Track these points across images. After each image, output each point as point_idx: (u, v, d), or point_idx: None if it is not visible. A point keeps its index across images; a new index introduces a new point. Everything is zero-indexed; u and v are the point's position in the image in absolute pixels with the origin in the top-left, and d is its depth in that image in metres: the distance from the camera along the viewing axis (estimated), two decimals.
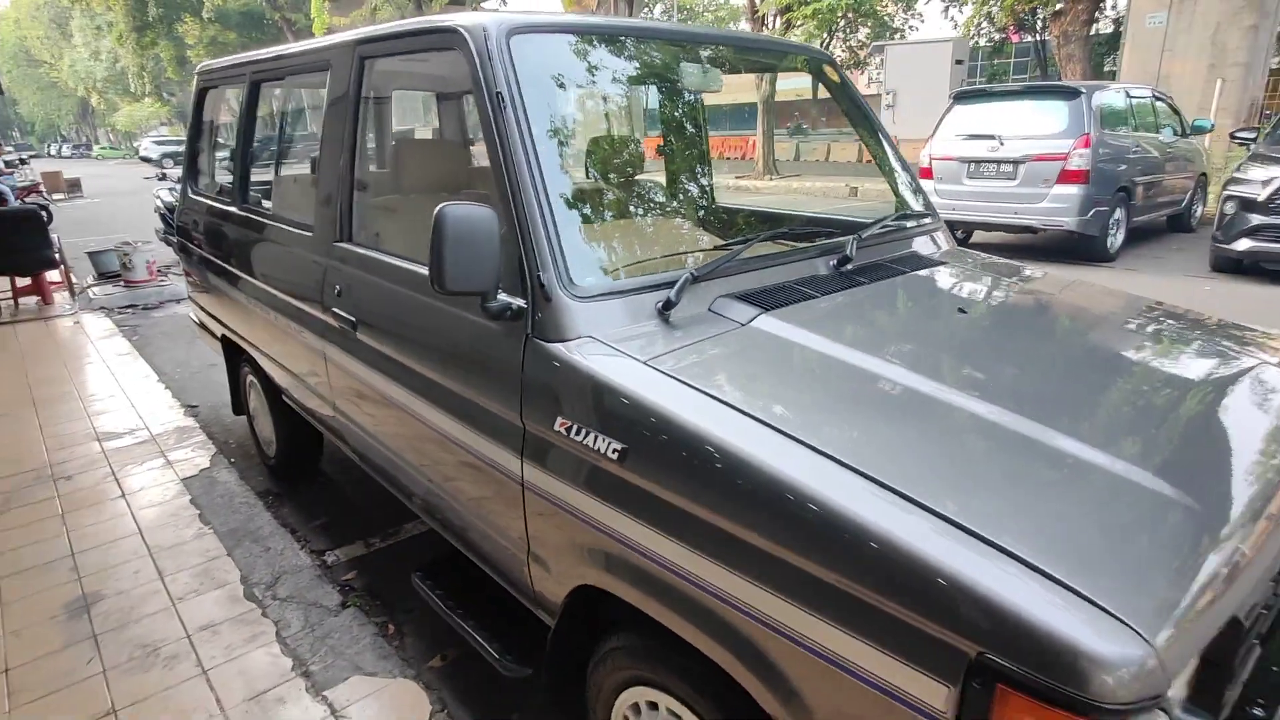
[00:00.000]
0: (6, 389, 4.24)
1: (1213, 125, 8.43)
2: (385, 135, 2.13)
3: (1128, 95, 7.28)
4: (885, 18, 40.31)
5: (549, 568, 1.42)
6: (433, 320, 1.62)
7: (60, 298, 6.66)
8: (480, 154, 1.91)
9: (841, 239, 1.76)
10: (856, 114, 2.27)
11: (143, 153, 35.96)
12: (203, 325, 3.56)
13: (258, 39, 33.01)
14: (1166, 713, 0.77)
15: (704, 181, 2.21)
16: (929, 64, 20.66)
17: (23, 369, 4.63)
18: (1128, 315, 1.78)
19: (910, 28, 39.57)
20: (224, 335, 3.18)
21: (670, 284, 1.41)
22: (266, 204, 2.73)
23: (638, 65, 1.73)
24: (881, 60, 22.72)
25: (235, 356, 3.20)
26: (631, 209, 1.70)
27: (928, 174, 7.61)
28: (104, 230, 11.18)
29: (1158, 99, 7.85)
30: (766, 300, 1.49)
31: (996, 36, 26.57)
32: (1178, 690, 0.93)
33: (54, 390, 4.22)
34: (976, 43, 30.39)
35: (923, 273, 1.81)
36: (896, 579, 0.88)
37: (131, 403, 4.00)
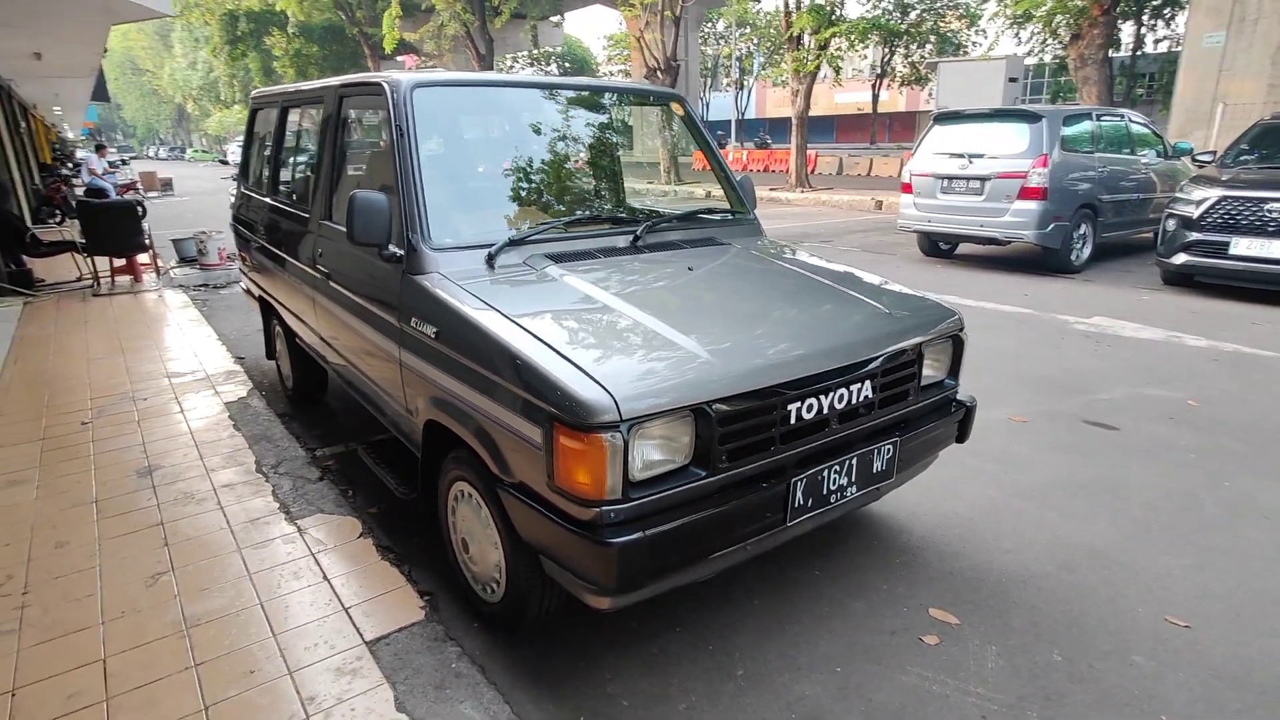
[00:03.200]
0: (103, 342, 5.42)
1: (1192, 147, 8.78)
2: (352, 146, 3.07)
3: (1096, 119, 7.78)
4: (948, 34, 40.03)
5: (416, 415, 2.31)
6: (360, 266, 2.55)
7: (148, 277, 7.95)
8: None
9: (639, 225, 2.59)
10: (701, 138, 3.11)
11: (229, 156, 38.94)
12: (249, 291, 4.61)
13: (338, 51, 35.27)
14: (622, 435, 1.60)
15: (578, 181, 3.04)
16: (982, 82, 20.77)
17: (115, 329, 5.83)
18: (806, 273, 2.54)
19: (974, 44, 39.11)
20: (260, 296, 4.21)
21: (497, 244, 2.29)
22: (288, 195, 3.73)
23: (509, 105, 2.62)
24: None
25: (268, 313, 4.23)
26: (484, 198, 2.58)
27: (908, 189, 8.26)
28: (190, 223, 12.72)
29: (1134, 122, 8.30)
30: (564, 258, 2.35)
31: (1062, 53, 26.40)
32: (679, 454, 1.75)
33: (138, 344, 5.36)
34: (1041, 59, 30.10)
35: (697, 249, 2.63)
36: (533, 382, 1.73)
37: (195, 353, 5.10)
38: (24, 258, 7.63)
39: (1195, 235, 6.29)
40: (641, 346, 1.83)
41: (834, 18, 15.36)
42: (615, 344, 1.85)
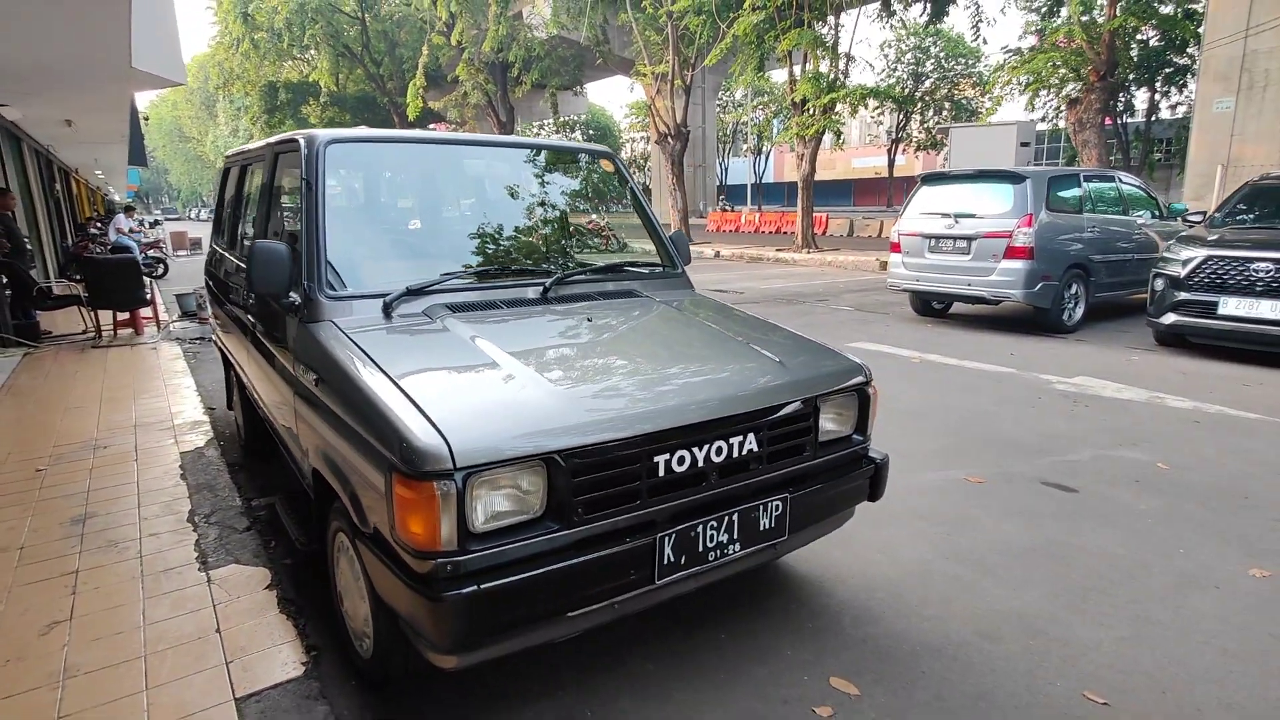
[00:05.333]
0: (84, 392, 5.52)
1: (1186, 208, 8.70)
2: (283, 202, 3.15)
3: (1085, 180, 7.78)
4: (962, 101, 40.92)
5: (309, 459, 2.29)
6: (270, 315, 2.58)
7: (149, 330, 8.16)
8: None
9: (548, 277, 2.59)
10: (631, 194, 3.14)
11: None
12: (215, 342, 4.69)
13: (369, 119, 36.81)
14: (455, 484, 1.56)
15: (496, 234, 3.02)
16: (994, 146, 20.96)
17: (102, 379, 5.95)
18: (715, 325, 2.51)
19: (988, 110, 39.92)
20: (221, 347, 4.28)
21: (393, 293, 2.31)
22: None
23: (427, 161, 2.68)
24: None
25: (227, 363, 4.28)
26: (393, 250, 2.62)
27: (896, 248, 8.26)
28: None
29: (1125, 184, 8.27)
30: (463, 309, 2.35)
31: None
32: (531, 506, 1.69)
33: (118, 394, 5.46)
34: (1055, 125, 30.50)
35: (610, 301, 2.62)
36: (377, 427, 1.70)
37: (169, 404, 5.16)
38: (34, 311, 7.91)
39: (1183, 295, 6.17)
40: (499, 394, 1.81)
41: (835, 84, 15.73)
42: (472, 392, 1.83)
